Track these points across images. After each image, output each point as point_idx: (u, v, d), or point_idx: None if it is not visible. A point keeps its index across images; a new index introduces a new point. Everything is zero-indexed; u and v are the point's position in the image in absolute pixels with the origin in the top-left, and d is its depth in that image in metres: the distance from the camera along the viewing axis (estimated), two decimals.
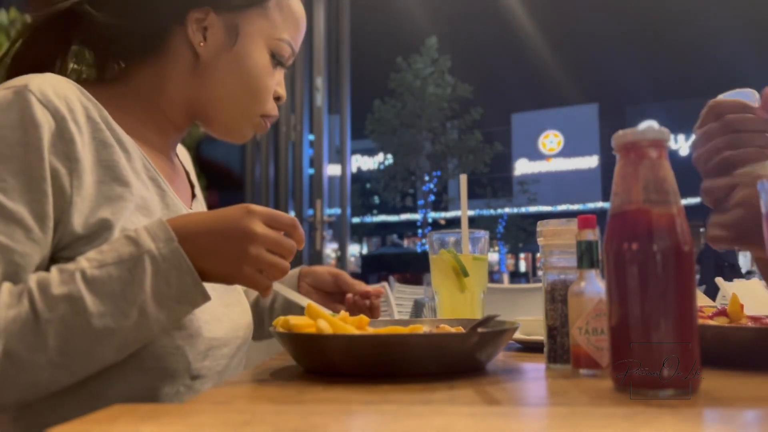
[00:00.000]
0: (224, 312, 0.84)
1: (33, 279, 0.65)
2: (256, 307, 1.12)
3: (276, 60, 0.90)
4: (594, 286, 0.65)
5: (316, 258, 6.47)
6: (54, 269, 0.66)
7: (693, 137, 0.85)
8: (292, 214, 7.03)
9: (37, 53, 0.83)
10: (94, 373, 0.68)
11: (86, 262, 0.66)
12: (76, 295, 0.63)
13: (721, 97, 0.84)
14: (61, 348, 0.63)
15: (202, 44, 0.85)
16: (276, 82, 0.92)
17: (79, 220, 0.71)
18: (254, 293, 1.14)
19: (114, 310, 0.64)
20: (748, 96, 0.82)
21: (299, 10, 0.93)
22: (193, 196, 0.98)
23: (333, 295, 1.05)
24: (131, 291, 0.65)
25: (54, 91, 0.73)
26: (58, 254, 0.72)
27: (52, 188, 0.69)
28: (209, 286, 0.84)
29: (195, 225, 0.70)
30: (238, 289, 0.93)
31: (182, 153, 1.05)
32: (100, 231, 0.72)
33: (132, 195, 0.76)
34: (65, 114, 0.72)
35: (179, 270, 0.67)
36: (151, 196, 0.81)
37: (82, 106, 0.75)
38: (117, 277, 0.65)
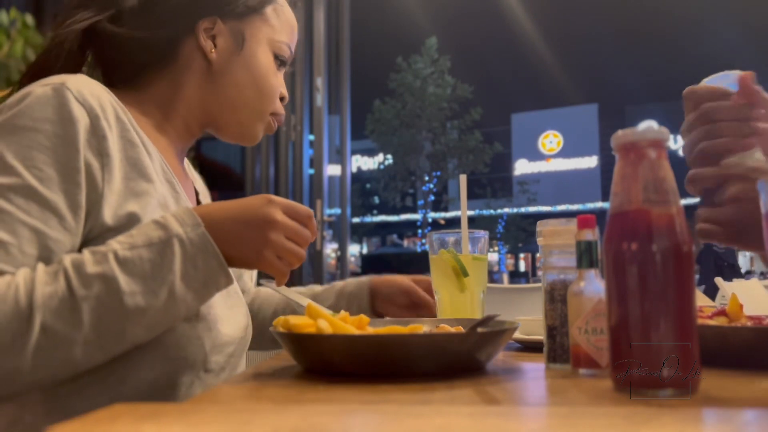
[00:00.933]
0: (228, 314, 0.86)
1: (67, 259, 0.68)
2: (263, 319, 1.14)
3: (279, 61, 0.97)
4: (593, 285, 0.65)
5: (316, 258, 6.47)
6: (86, 251, 0.69)
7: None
8: None
9: (53, 66, 0.86)
10: (121, 360, 0.71)
11: (117, 244, 0.69)
12: (110, 275, 0.66)
13: (703, 82, 0.82)
14: (95, 325, 0.65)
15: (213, 51, 0.91)
16: (280, 82, 0.98)
17: (109, 212, 0.74)
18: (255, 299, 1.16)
19: (145, 289, 0.67)
20: (728, 80, 0.79)
21: (292, 17, 1.00)
22: (198, 203, 1.01)
23: (406, 306, 1.12)
24: (161, 272, 0.68)
25: (89, 91, 0.77)
26: (88, 244, 0.74)
27: (86, 181, 0.73)
28: None
29: (219, 212, 0.74)
30: (239, 292, 0.94)
31: (187, 164, 1.07)
32: (128, 224, 0.75)
33: (155, 191, 0.80)
34: (98, 112, 0.76)
35: (206, 254, 0.71)
36: (168, 195, 0.85)
37: (112, 107, 0.79)
38: (147, 258, 0.68)
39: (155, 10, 0.89)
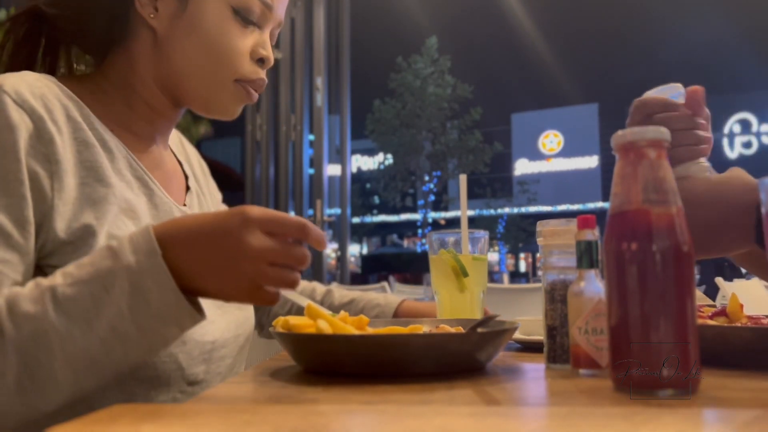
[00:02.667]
0: (218, 313, 0.82)
1: (3, 295, 0.61)
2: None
3: (243, 18, 0.83)
4: (593, 286, 0.65)
5: (317, 258, 6.47)
6: (30, 284, 0.62)
7: None
8: (292, 214, 7.01)
9: (14, 53, 0.84)
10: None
11: (61, 278, 0.61)
12: (41, 316, 0.59)
13: (648, 94, 0.86)
14: (26, 368, 0.58)
15: (152, 16, 0.82)
16: (253, 43, 0.85)
17: (61, 225, 0.69)
18: None
19: (84, 331, 0.59)
20: (675, 91, 0.84)
21: None
22: (188, 188, 0.94)
23: None
24: (103, 308, 0.59)
25: (30, 91, 0.71)
26: (44, 261, 0.70)
27: (32, 192, 0.67)
28: None
29: (185, 234, 0.62)
30: None
31: (188, 146, 1.04)
32: (84, 237, 0.70)
33: (115, 197, 0.74)
34: (42, 114, 0.70)
35: (160, 287, 0.60)
36: (136, 197, 0.79)
37: (61, 105, 0.74)
38: (89, 294, 0.59)
39: None
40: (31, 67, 0.85)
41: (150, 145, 0.88)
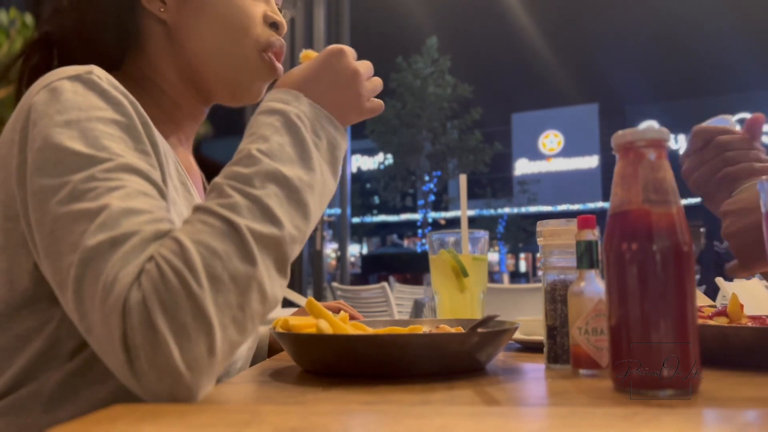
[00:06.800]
0: None
1: (217, 178, 0.62)
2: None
3: None
4: (594, 286, 0.65)
5: (316, 258, 6.47)
6: (232, 165, 0.63)
7: (684, 163, 0.95)
8: None
9: (29, 83, 0.80)
10: (105, 381, 0.65)
11: (248, 145, 0.64)
12: (270, 169, 0.61)
13: (705, 124, 0.95)
14: (290, 216, 0.61)
15: (162, 10, 0.81)
16: (263, 8, 0.85)
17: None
18: None
19: (303, 169, 0.64)
20: (726, 122, 0.93)
21: None
22: (205, 189, 0.94)
23: None
24: (303, 149, 0.65)
25: (112, 78, 0.71)
26: None
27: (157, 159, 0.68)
28: None
29: (307, 82, 0.71)
30: None
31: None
32: None
33: (172, 202, 0.73)
34: (133, 98, 0.70)
35: (321, 120, 0.69)
36: (181, 201, 0.77)
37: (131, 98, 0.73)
38: (286, 142, 0.65)
39: None
40: None
41: (178, 147, 0.87)
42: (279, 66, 0.86)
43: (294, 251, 0.61)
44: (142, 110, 0.70)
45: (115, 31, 0.82)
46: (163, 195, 0.64)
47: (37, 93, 0.67)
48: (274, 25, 0.86)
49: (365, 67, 0.75)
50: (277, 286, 0.59)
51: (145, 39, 0.83)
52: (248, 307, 0.55)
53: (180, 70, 0.84)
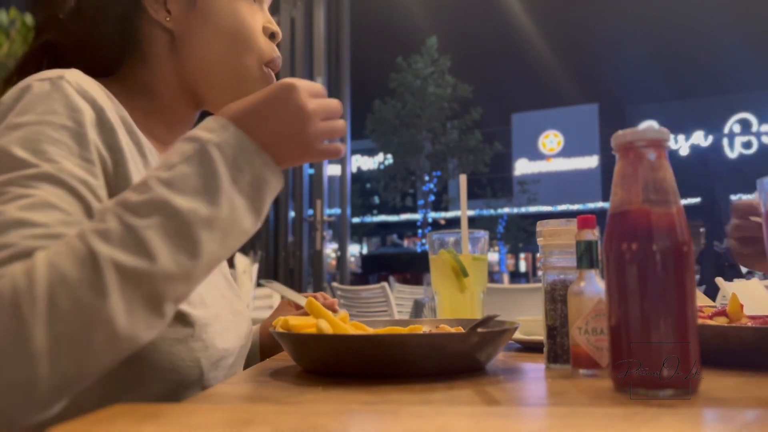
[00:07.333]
0: (232, 321, 0.83)
1: (106, 204, 0.60)
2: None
3: None
4: (593, 286, 0.65)
5: (316, 258, 6.48)
6: (126, 192, 0.60)
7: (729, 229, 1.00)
8: (292, 214, 7.03)
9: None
10: (115, 383, 0.65)
11: (152, 171, 0.61)
12: (160, 199, 0.58)
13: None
14: (170, 252, 0.56)
15: (168, 19, 0.83)
16: (262, 19, 0.87)
17: None
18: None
19: (204, 202, 0.59)
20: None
21: None
22: None
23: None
24: (211, 181, 0.60)
25: (87, 84, 0.72)
26: None
27: (103, 173, 0.67)
28: (219, 291, 0.81)
29: (245, 112, 0.66)
30: (242, 296, 0.92)
31: None
32: None
33: None
34: (102, 105, 0.70)
35: (245, 153, 0.63)
36: None
37: (111, 103, 0.74)
38: (191, 173, 0.60)
39: (94, 2, 0.82)
40: None
41: (168, 150, 0.87)
42: (272, 75, 0.87)
43: (174, 289, 0.57)
44: (110, 116, 0.70)
45: (118, 38, 0.83)
46: (86, 206, 0.63)
47: (11, 90, 0.69)
48: (272, 36, 0.87)
49: (322, 105, 0.68)
50: (140, 324, 0.54)
51: (147, 46, 0.84)
52: (89, 341, 0.52)
53: (180, 78, 0.85)
